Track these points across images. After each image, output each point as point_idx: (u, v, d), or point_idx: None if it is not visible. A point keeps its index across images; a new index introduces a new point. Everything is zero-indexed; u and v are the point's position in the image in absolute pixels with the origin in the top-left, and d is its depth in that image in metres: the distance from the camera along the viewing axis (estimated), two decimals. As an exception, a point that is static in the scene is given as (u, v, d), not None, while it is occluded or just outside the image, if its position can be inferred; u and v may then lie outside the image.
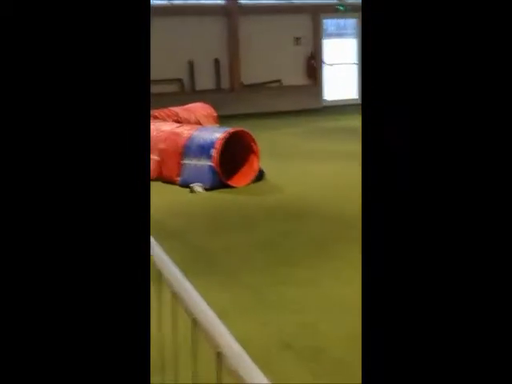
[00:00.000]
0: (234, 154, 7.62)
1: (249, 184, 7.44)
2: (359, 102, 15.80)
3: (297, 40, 15.26)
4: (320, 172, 8.08)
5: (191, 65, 14.46)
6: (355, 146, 9.69)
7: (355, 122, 12.80)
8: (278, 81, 15.21)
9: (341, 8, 15.39)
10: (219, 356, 1.28)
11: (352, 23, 16.20)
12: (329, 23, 16.37)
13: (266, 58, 14.88)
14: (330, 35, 16.55)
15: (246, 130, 7.75)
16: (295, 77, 15.28)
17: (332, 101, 15.63)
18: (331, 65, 15.88)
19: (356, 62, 15.97)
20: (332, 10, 15.47)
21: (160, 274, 1.80)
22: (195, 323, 1.45)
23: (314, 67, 15.39)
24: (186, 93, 14.00)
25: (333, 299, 4.06)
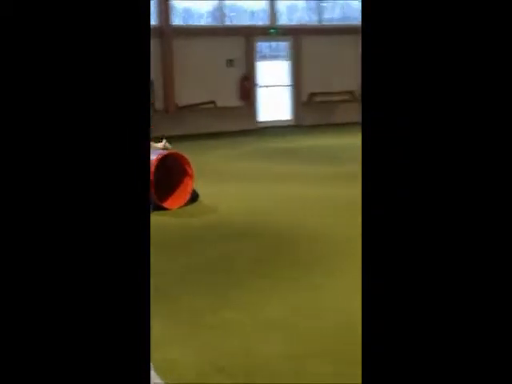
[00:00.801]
0: (168, 176, 7.57)
1: (183, 206, 7.40)
2: (292, 123, 16.01)
3: (230, 62, 15.37)
4: (255, 193, 8.11)
5: (124, 86, 14.33)
6: (290, 167, 9.82)
7: (290, 143, 12.96)
8: (213, 102, 15.26)
9: (273, 31, 15.61)
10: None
11: (284, 46, 16.45)
12: (262, 45, 16.58)
13: (200, 80, 14.91)
14: (264, 57, 16.74)
15: (180, 152, 7.72)
16: (229, 98, 15.36)
17: (266, 122, 15.78)
18: (266, 86, 16.05)
19: (289, 83, 16.19)
20: (265, 33, 15.67)
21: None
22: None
23: (247, 89, 15.52)
24: (120, 114, 13.83)
25: (271, 321, 4.06)
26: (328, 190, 8.11)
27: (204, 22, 15.96)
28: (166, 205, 7.28)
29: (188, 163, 7.55)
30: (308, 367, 3.41)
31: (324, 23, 16.41)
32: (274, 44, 17.63)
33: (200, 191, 7.69)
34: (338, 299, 4.39)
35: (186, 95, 14.83)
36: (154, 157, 7.25)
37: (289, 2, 16.47)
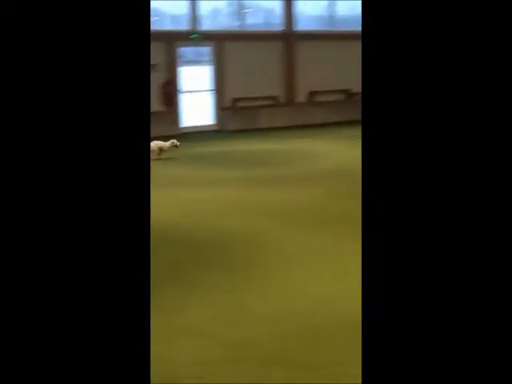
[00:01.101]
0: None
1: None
2: (216, 128, 15.97)
3: (152, 67, 15.18)
4: (178, 198, 8.01)
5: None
6: (214, 172, 9.76)
7: (213, 148, 12.89)
8: (135, 107, 15.03)
9: (194, 36, 15.51)
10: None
11: (207, 51, 16.38)
12: (186, 50, 16.44)
13: (122, 85, 14.65)
14: (188, 62, 16.60)
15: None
16: (151, 104, 15.15)
17: (189, 127, 15.67)
18: (189, 92, 15.93)
19: (212, 88, 16.14)
20: (187, 38, 15.56)
21: None
22: None
23: (169, 94, 15.36)
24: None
25: (186, 327, 3.98)
26: (252, 194, 8.09)
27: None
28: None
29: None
30: (221, 374, 3.35)
31: (246, 28, 16.46)
32: (197, 49, 17.53)
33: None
34: (259, 304, 4.35)
35: (106, 100, 14.55)
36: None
37: (211, 7, 16.42)
